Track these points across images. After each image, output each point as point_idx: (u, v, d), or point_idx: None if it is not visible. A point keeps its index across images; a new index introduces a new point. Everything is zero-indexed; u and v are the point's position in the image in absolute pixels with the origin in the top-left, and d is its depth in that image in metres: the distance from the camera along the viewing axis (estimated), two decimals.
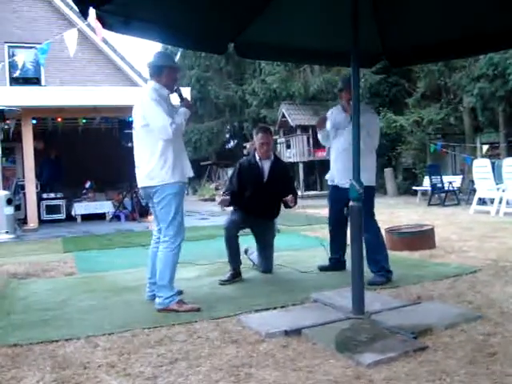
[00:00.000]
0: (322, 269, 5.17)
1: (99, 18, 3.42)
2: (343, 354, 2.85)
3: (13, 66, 14.49)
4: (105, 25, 3.52)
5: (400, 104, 17.91)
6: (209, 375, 2.65)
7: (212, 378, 2.62)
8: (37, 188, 11.21)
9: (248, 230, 5.25)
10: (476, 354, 2.78)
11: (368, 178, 4.38)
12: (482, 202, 11.06)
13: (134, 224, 11.00)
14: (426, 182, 14.52)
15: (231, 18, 4.06)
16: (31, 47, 14.16)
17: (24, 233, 9.93)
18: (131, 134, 4.24)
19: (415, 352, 2.84)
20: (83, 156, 12.73)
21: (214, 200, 19.14)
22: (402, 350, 2.84)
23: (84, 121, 12.41)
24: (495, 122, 15.38)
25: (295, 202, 4.99)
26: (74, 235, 9.40)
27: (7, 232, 9.05)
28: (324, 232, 5.29)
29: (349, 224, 4.96)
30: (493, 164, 10.88)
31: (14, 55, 14.66)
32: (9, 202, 9.19)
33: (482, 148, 14.56)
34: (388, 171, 17.73)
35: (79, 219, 12.03)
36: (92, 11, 3.28)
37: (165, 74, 4.02)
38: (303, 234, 8.12)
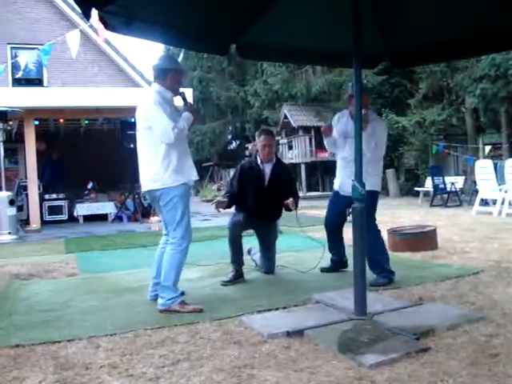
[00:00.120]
0: (324, 270, 5.17)
1: (101, 19, 3.43)
2: (345, 355, 2.85)
3: (15, 66, 14.53)
4: (107, 26, 3.52)
5: (402, 105, 17.91)
6: (211, 376, 2.65)
7: (214, 378, 2.62)
8: (39, 189, 11.22)
9: (251, 231, 5.25)
10: (478, 356, 2.77)
11: (373, 182, 4.39)
12: (484, 202, 11.05)
13: (136, 225, 11.01)
14: (428, 183, 14.52)
15: (233, 18, 4.06)
16: (33, 48, 14.20)
17: (26, 233, 9.94)
18: (133, 134, 4.25)
19: (417, 353, 2.83)
20: (85, 157, 12.74)
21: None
22: (404, 351, 2.84)
23: (86, 122, 12.44)
24: (497, 122, 15.37)
25: (296, 205, 4.98)
26: (76, 236, 9.41)
27: (10, 233, 9.07)
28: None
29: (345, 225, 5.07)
30: (495, 165, 10.87)
31: (16, 56, 14.69)
32: (11, 202, 9.20)
33: (484, 149, 14.55)
34: (390, 172, 17.72)
35: (81, 220, 12.05)
36: (94, 12, 3.28)
37: (169, 76, 4.02)
38: (305, 235, 8.10)
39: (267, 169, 5.08)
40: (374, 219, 4.73)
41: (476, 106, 14.48)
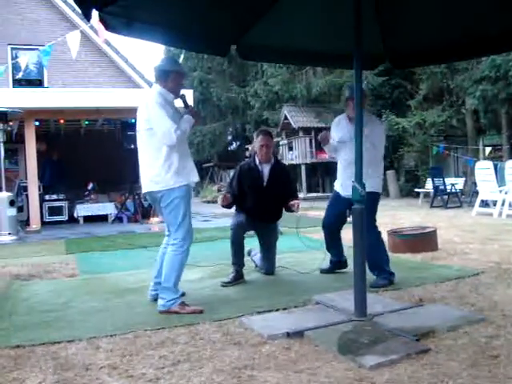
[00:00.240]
0: (324, 271, 5.17)
1: (102, 19, 3.43)
2: (345, 357, 2.84)
3: (16, 67, 14.54)
4: (107, 27, 3.52)
5: (402, 106, 17.92)
6: (211, 377, 2.65)
7: (214, 379, 2.62)
8: (39, 190, 11.22)
9: (251, 232, 5.25)
10: (478, 357, 2.77)
11: (373, 184, 4.39)
12: (484, 204, 11.06)
13: (136, 226, 11.01)
14: (429, 184, 14.52)
15: (233, 20, 4.06)
16: (34, 49, 14.23)
17: (26, 234, 9.95)
18: (134, 135, 4.24)
19: (417, 354, 2.83)
20: (85, 158, 12.74)
21: (216, 202, 19.16)
22: (405, 353, 2.84)
23: (86, 122, 12.46)
24: (498, 124, 15.38)
25: (298, 207, 5.00)
26: (77, 237, 9.40)
27: (10, 233, 9.07)
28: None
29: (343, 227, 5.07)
30: (495, 166, 10.87)
31: (16, 57, 14.70)
32: (11, 203, 9.21)
33: (484, 150, 14.56)
34: (390, 173, 17.72)
35: (81, 221, 12.06)
36: (95, 13, 3.28)
37: (171, 78, 4.02)
38: (305, 236, 8.10)
39: (266, 169, 5.08)
40: (375, 221, 4.73)
41: (476, 107, 14.48)
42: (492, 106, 14.12)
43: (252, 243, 5.48)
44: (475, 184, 11.70)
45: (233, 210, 5.22)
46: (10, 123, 10.05)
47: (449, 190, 13.22)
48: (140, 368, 2.81)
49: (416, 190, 16.02)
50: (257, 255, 5.47)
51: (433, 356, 2.82)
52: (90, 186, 12.78)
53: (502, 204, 9.98)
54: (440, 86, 16.74)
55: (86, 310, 4.12)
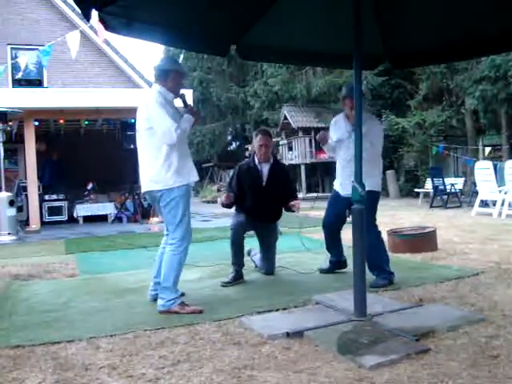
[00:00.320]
0: (323, 271, 5.17)
1: (101, 19, 3.43)
2: (345, 357, 2.84)
3: (15, 67, 14.54)
4: (107, 27, 3.52)
5: (402, 106, 17.93)
6: (211, 377, 2.65)
7: (214, 379, 2.62)
8: (39, 190, 11.22)
9: (251, 232, 5.25)
10: (478, 357, 2.77)
11: (372, 183, 4.39)
12: (484, 204, 11.06)
13: (135, 226, 11.01)
14: (428, 184, 14.53)
15: (233, 19, 4.06)
16: (34, 49, 14.22)
17: (26, 234, 9.94)
18: (133, 135, 4.25)
19: (417, 354, 2.83)
20: (85, 158, 12.74)
21: (216, 202, 19.16)
22: (404, 353, 2.84)
23: (86, 122, 12.46)
24: (497, 124, 15.38)
25: (299, 207, 5.00)
26: (76, 237, 9.40)
27: (9, 233, 9.07)
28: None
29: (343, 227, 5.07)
30: (495, 166, 10.88)
31: (16, 57, 14.70)
32: (11, 203, 9.20)
33: (484, 150, 14.56)
34: (390, 173, 17.73)
35: (81, 221, 12.06)
36: (94, 13, 3.28)
37: (171, 78, 4.02)
38: (305, 236, 8.10)
39: (265, 169, 5.09)
40: (375, 220, 4.72)
41: (476, 107, 14.49)
42: (492, 106, 14.12)
43: (252, 243, 5.48)
44: (475, 184, 11.71)
45: (232, 209, 5.22)
46: (10, 123, 10.04)
47: (448, 190, 13.23)
48: (140, 368, 2.81)
49: (416, 190, 16.03)
50: (256, 255, 5.47)
51: (433, 356, 2.82)
52: (90, 185, 12.78)
53: (502, 204, 9.98)
54: (440, 86, 16.75)
55: (86, 310, 4.12)
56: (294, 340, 3.16)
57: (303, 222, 5.38)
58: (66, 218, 12.14)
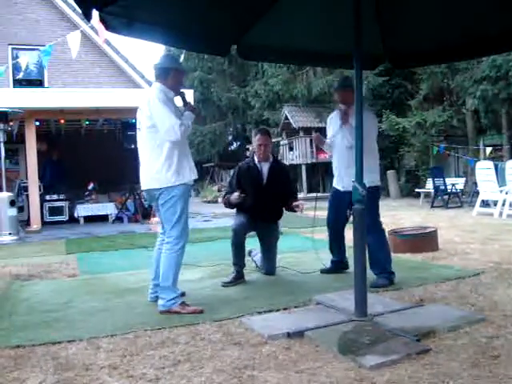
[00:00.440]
0: (324, 271, 5.16)
1: (102, 19, 3.43)
2: (346, 357, 2.84)
3: (16, 67, 14.55)
4: (108, 27, 3.52)
5: (403, 106, 17.91)
6: (211, 377, 2.65)
7: (214, 379, 2.62)
8: (40, 190, 11.23)
9: (252, 232, 5.25)
10: (479, 357, 2.77)
11: (370, 178, 4.37)
12: (485, 204, 11.05)
13: (136, 226, 11.01)
14: (429, 184, 14.52)
15: (233, 20, 4.06)
16: (34, 49, 14.23)
17: (27, 234, 9.94)
18: (134, 135, 4.25)
19: (418, 354, 2.83)
20: (86, 158, 12.73)
21: (217, 202, 19.16)
22: (405, 353, 2.84)
23: (87, 122, 12.45)
24: (498, 124, 15.36)
25: (302, 208, 5.02)
26: (77, 237, 9.41)
27: (10, 233, 9.07)
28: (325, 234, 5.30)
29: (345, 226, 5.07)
30: (496, 166, 10.87)
31: (17, 57, 14.70)
32: (12, 203, 9.21)
33: (485, 150, 14.55)
34: (391, 173, 17.72)
35: (82, 221, 12.05)
36: (95, 13, 3.28)
37: (171, 76, 4.03)
38: (306, 236, 8.11)
39: (265, 168, 5.09)
40: (378, 216, 4.70)
41: (477, 107, 14.47)
42: (492, 106, 14.10)
43: (252, 243, 5.48)
44: (476, 184, 11.70)
45: (233, 210, 5.22)
46: (11, 123, 10.04)
47: (449, 190, 13.23)
48: (140, 368, 2.81)
49: (416, 190, 16.02)
50: (257, 255, 5.47)
51: (433, 356, 2.82)
52: (91, 186, 12.78)
53: (503, 204, 9.98)
54: (440, 86, 16.72)
55: (87, 310, 4.12)
56: (295, 340, 3.16)
57: (315, 222, 5.35)
58: (67, 218, 12.13)
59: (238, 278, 4.91)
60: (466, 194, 14.14)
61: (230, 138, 31.67)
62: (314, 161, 21.00)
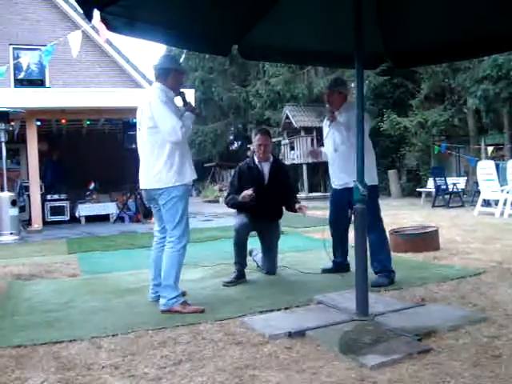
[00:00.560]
0: (325, 271, 5.16)
1: (103, 19, 3.44)
2: (347, 356, 2.84)
3: (17, 67, 14.56)
4: (109, 27, 3.53)
5: (404, 105, 17.89)
6: (213, 377, 2.65)
7: (216, 379, 2.62)
8: (41, 189, 11.24)
9: (253, 232, 5.25)
10: (480, 357, 2.77)
11: (366, 177, 4.38)
12: (486, 203, 11.04)
13: (137, 225, 11.02)
14: (430, 184, 14.51)
15: (235, 19, 4.06)
16: (36, 49, 14.23)
17: (28, 234, 9.96)
18: (135, 135, 4.25)
19: (419, 354, 2.83)
20: (87, 157, 12.76)
21: (217, 201, 19.17)
22: (406, 352, 2.84)
23: (88, 122, 12.46)
24: (500, 123, 15.36)
25: (306, 210, 5.06)
26: (78, 236, 9.42)
27: (12, 233, 9.08)
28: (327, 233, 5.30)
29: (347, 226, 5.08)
30: (497, 166, 10.86)
31: (18, 57, 14.71)
32: (13, 203, 9.22)
33: (486, 150, 14.53)
34: (392, 173, 17.70)
35: (83, 220, 12.06)
36: (96, 13, 3.29)
37: (171, 76, 4.03)
38: (306, 236, 8.12)
39: (265, 168, 5.10)
40: (379, 216, 4.71)
41: (478, 106, 14.45)
42: (494, 106, 14.09)
43: (253, 243, 5.47)
44: (477, 183, 11.69)
45: (234, 209, 5.23)
46: (12, 123, 10.05)
47: (451, 190, 13.22)
48: (142, 368, 2.81)
49: (418, 189, 16.00)
50: (258, 255, 5.47)
51: (435, 356, 2.82)
52: (92, 185, 12.79)
53: (504, 204, 9.96)
54: (441, 86, 16.71)
55: (88, 309, 4.13)
56: (296, 340, 3.16)
57: (303, 220, 5.37)
58: (68, 218, 12.16)
59: (239, 278, 4.91)
60: (468, 193, 14.13)
61: (231, 137, 31.70)
62: (315, 160, 20.95)
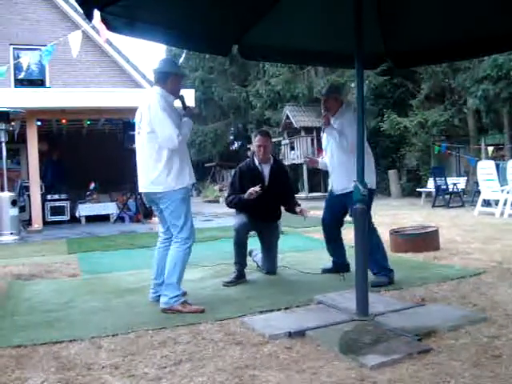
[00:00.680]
0: (325, 271, 5.17)
1: (103, 19, 3.44)
2: (347, 356, 2.84)
3: (17, 67, 14.55)
4: (109, 27, 3.53)
5: (404, 105, 17.88)
6: (213, 376, 2.65)
7: (216, 379, 2.62)
8: (41, 189, 11.24)
9: (253, 232, 5.26)
10: (480, 357, 2.77)
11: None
12: (486, 203, 11.04)
13: (137, 226, 11.02)
14: (431, 184, 14.51)
15: (235, 19, 4.06)
16: (36, 49, 14.23)
17: (28, 234, 9.96)
18: (135, 135, 4.25)
19: (419, 354, 2.83)
20: (87, 157, 12.75)
21: (217, 201, 19.17)
22: (406, 352, 2.84)
23: (88, 122, 12.46)
24: (500, 123, 15.35)
25: (307, 213, 5.09)
26: (78, 236, 9.42)
27: (12, 233, 9.08)
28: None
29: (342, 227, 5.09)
30: (497, 166, 10.86)
31: (18, 57, 14.70)
32: (13, 203, 9.22)
33: (486, 150, 14.53)
34: (392, 173, 17.70)
35: (83, 220, 12.06)
36: (96, 13, 3.29)
37: (170, 80, 4.04)
38: (306, 236, 8.12)
39: (266, 169, 5.11)
40: (371, 217, 4.73)
41: (478, 106, 14.45)
42: (494, 106, 14.09)
43: (253, 244, 5.47)
44: (477, 183, 11.69)
45: (233, 210, 5.24)
46: (12, 123, 10.05)
47: (451, 190, 13.21)
48: (142, 368, 2.82)
49: (418, 189, 16.00)
50: (258, 255, 5.47)
51: (434, 356, 2.82)
52: (92, 185, 12.79)
53: (504, 204, 9.96)
54: (442, 86, 16.71)
55: (88, 309, 4.13)
56: (296, 340, 3.16)
57: (304, 220, 5.38)
58: (68, 218, 12.15)
59: (239, 278, 4.91)
60: (468, 193, 14.13)
61: (232, 137, 31.70)
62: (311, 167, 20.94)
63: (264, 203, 4.96)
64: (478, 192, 11.37)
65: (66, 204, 12.20)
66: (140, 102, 4.13)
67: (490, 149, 14.14)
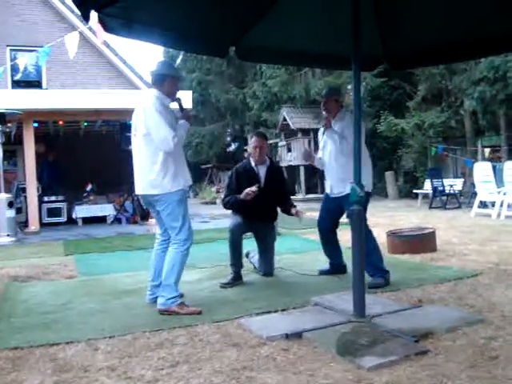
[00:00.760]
0: (322, 272, 5.17)
1: (101, 21, 3.44)
2: (344, 358, 2.84)
3: (14, 69, 14.52)
4: (106, 28, 3.53)
5: (401, 107, 17.91)
6: (210, 378, 2.65)
7: (213, 381, 2.62)
8: (38, 191, 11.21)
9: (249, 234, 5.26)
10: (477, 358, 2.77)
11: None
12: (483, 205, 11.06)
13: (135, 227, 11.01)
14: (427, 185, 14.52)
15: (232, 21, 4.07)
16: (33, 50, 14.19)
17: (25, 236, 9.94)
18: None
19: (416, 355, 2.83)
20: (84, 159, 12.73)
21: (214, 203, 19.16)
22: (403, 354, 2.84)
23: (85, 124, 12.43)
24: (496, 125, 15.38)
25: (303, 214, 5.10)
26: (75, 238, 9.40)
27: (8, 235, 9.07)
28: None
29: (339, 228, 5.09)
30: (494, 167, 10.88)
31: (15, 58, 14.66)
32: (10, 204, 9.21)
33: (483, 151, 14.56)
34: (389, 174, 17.72)
35: (80, 222, 12.04)
36: (93, 14, 3.29)
37: (167, 82, 4.04)
38: (303, 238, 8.12)
39: (262, 171, 5.12)
40: (366, 220, 4.73)
41: (475, 108, 14.48)
42: (490, 107, 14.11)
43: (250, 245, 5.47)
44: (474, 185, 11.71)
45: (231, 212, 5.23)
46: (9, 124, 10.04)
47: (447, 191, 13.23)
48: (139, 369, 2.81)
49: (415, 191, 16.02)
50: (255, 257, 5.47)
51: (431, 357, 2.82)
52: (89, 187, 12.76)
53: (501, 205, 9.99)
54: (438, 87, 16.74)
55: (85, 311, 4.12)
56: (293, 341, 3.16)
57: (302, 222, 5.38)
58: (65, 220, 12.12)
59: (236, 279, 4.91)
60: (464, 195, 14.15)
61: (229, 139, 31.69)
62: (308, 162, 20.96)
63: (260, 204, 4.96)
64: (475, 193, 11.39)
65: (63, 205, 12.17)
66: (136, 104, 4.13)
67: (487, 150, 14.18)
